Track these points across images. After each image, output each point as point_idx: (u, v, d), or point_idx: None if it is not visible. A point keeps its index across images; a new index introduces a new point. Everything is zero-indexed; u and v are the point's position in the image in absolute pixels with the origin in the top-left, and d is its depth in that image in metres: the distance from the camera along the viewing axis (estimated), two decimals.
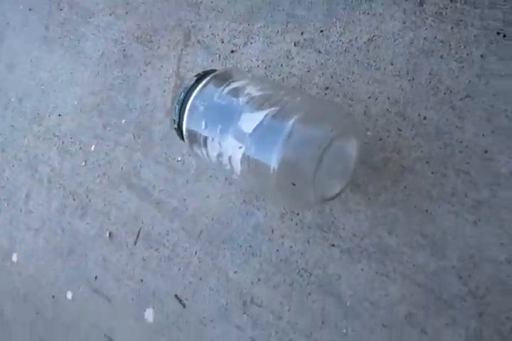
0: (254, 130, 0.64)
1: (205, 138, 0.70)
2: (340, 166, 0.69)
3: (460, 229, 0.65)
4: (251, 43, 0.94)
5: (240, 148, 0.64)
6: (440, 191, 0.67)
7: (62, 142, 1.27)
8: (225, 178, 0.89)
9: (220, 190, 0.89)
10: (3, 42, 1.57)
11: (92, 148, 1.19)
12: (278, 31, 0.90)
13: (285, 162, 0.61)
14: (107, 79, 1.23)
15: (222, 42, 0.99)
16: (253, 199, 0.84)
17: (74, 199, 1.18)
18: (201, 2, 1.05)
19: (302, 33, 0.86)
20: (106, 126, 1.18)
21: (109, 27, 1.27)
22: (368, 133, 0.73)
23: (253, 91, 0.68)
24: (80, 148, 1.22)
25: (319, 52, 0.83)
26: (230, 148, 0.67)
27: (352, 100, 0.76)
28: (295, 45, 0.87)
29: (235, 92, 0.69)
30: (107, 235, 1.06)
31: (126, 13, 1.24)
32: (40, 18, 1.48)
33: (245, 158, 0.65)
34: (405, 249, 0.69)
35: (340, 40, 0.81)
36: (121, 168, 1.09)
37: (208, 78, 0.72)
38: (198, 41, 1.04)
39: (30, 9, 1.50)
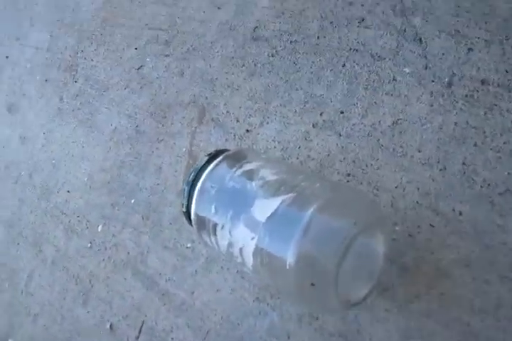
0: (269, 219, 0.57)
1: (215, 225, 0.63)
2: (366, 265, 0.61)
3: None
4: (267, 123, 0.88)
5: (253, 239, 0.58)
6: (483, 301, 0.58)
7: (69, 220, 1.22)
8: (237, 271, 0.81)
9: (231, 283, 0.81)
10: (18, 113, 1.56)
11: (99, 228, 1.13)
12: (296, 111, 0.85)
13: (303, 258, 0.54)
14: (118, 156, 1.19)
15: (238, 121, 0.94)
16: (267, 297, 0.76)
17: (76, 284, 1.10)
18: (217, 78, 1.02)
19: (321, 114, 0.81)
20: (115, 205, 1.12)
21: (123, 101, 1.24)
22: (396, 228, 0.66)
23: (268, 174, 0.62)
24: (87, 227, 1.16)
25: (340, 135, 0.77)
26: (241, 238, 0.60)
27: (377, 189, 0.69)
28: (314, 126, 0.81)
29: (249, 175, 0.63)
30: (108, 326, 0.98)
31: (141, 87, 1.21)
32: (55, 90, 1.47)
33: (258, 251, 0.58)
34: None
35: (362, 123, 0.75)
36: (128, 253, 1.02)
37: (219, 158, 0.67)
38: (213, 119, 0.99)
39: (46, 80, 1.49)
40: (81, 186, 1.25)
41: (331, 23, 0.86)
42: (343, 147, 0.76)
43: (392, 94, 0.73)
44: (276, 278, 0.60)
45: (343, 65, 0.81)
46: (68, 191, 1.27)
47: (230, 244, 0.62)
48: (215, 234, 0.64)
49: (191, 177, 0.67)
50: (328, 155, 0.77)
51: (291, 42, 0.91)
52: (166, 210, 0.99)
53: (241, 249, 0.60)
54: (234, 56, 1.00)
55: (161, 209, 1.00)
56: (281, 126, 0.86)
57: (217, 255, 0.86)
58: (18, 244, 1.34)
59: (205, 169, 0.67)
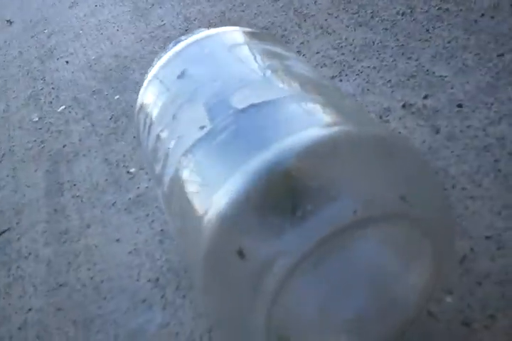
0: (251, 108, 0.27)
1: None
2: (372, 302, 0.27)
3: None
4: (340, 81, 0.56)
5: (202, 128, 0.26)
6: None
7: (42, 88, 0.90)
8: (161, 229, 0.48)
9: (141, 241, 0.48)
10: None
11: (60, 109, 0.81)
12: (390, 81, 0.52)
13: (247, 207, 0.24)
14: (142, 50, 0.88)
15: None
16: (171, 284, 0.42)
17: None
18: (313, 15, 0.70)
19: (426, 97, 0.48)
20: (96, 93, 0.81)
21: (192, 4, 0.94)
22: (448, 299, 0.32)
23: (296, 66, 0.33)
24: (50, 102, 0.84)
25: (437, 131, 0.44)
26: (185, 125, 0.30)
27: (463, 237, 0.36)
28: (404, 107, 0.49)
29: (265, 54, 0.34)
30: None
31: None
32: None
33: (192, 155, 0.28)
34: None
35: (483, 130, 0.42)
36: (63, 146, 0.70)
37: (236, 28, 0.37)
38: None
39: None
40: (83, 63, 0.93)
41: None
42: (430, 148, 0.43)
43: None
44: (188, 233, 0.28)
45: (500, 55, 0.49)
46: (67, 62, 0.96)
47: (158, 137, 0.30)
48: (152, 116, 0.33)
49: (184, 37, 0.37)
50: None
51: (439, 8, 0.59)
52: None
53: (174, 146, 0.28)
54: (352, 0, 0.69)
55: None
56: (356, 90, 0.53)
57: (154, 197, 0.53)
58: None
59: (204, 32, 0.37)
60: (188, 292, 0.40)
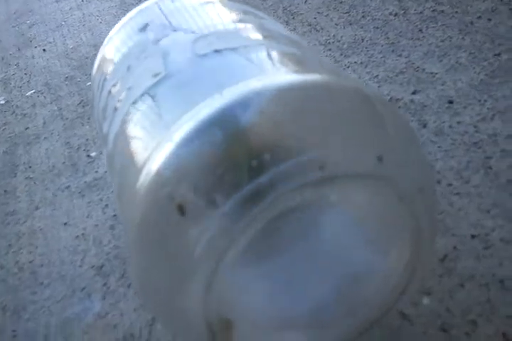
0: (213, 53, 0.24)
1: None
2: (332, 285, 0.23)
3: None
4: None
5: (156, 75, 0.22)
6: None
7: (14, 74, 0.86)
8: (114, 215, 0.44)
9: (91, 224, 0.43)
10: None
11: (29, 93, 0.76)
12: (378, 76, 0.49)
13: (192, 158, 0.19)
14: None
15: None
16: (116, 270, 0.37)
17: None
18: (301, 14, 0.67)
19: (415, 92, 0.45)
20: (69, 79, 0.77)
21: None
22: (425, 301, 0.28)
23: (270, 23, 0.30)
24: (20, 87, 0.80)
25: (424, 126, 0.41)
26: (136, 77, 0.26)
27: (445, 234, 0.32)
28: (390, 101, 0.45)
29: (239, 11, 0.30)
30: None
31: None
32: None
33: (137, 108, 0.24)
34: None
35: (475, 126, 0.39)
36: (26, 129, 0.65)
37: None
38: None
39: None
40: (60, 51, 0.89)
41: (510, 9, 0.52)
42: None
43: None
44: (125, 189, 0.23)
45: (497, 55, 0.46)
46: (44, 50, 0.92)
47: (112, 89, 0.26)
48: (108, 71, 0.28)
49: None
50: None
51: (434, 10, 0.57)
52: None
53: (123, 98, 0.24)
54: (344, 0, 0.66)
55: None
56: None
57: (108, 183, 0.49)
58: None
59: None
60: None
